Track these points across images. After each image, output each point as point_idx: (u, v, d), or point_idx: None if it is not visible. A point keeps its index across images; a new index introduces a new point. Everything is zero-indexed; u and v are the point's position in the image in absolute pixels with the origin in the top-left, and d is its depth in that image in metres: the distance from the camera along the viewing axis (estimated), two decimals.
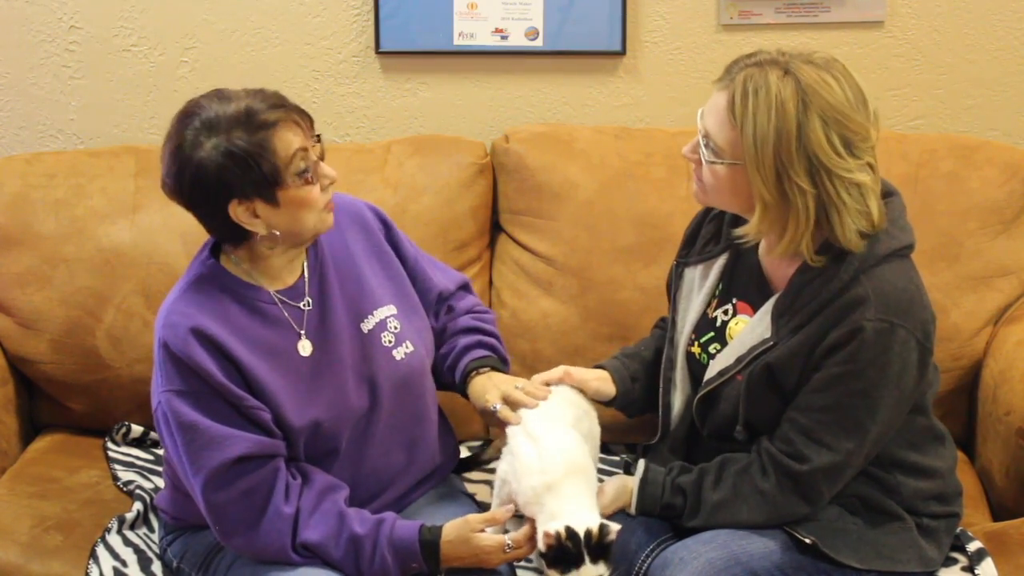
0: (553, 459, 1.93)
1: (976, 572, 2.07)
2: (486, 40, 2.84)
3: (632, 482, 2.05)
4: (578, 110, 2.91)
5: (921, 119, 2.91)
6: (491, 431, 2.58)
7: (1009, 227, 2.61)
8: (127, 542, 2.24)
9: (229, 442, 1.90)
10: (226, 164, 1.86)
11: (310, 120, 1.94)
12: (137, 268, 2.59)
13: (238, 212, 1.90)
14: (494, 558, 1.97)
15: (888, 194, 1.98)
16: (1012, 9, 2.85)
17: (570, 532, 1.86)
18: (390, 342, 2.09)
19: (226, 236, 1.97)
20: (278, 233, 1.93)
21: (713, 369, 2.05)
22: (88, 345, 2.58)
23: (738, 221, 2.00)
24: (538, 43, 2.84)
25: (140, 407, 2.50)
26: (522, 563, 2.16)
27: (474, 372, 2.17)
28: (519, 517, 2.00)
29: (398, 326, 2.11)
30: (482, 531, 1.97)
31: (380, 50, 2.84)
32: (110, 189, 2.64)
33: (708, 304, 2.12)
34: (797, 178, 1.85)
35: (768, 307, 1.98)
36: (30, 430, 2.68)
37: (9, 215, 2.61)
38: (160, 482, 2.42)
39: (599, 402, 2.17)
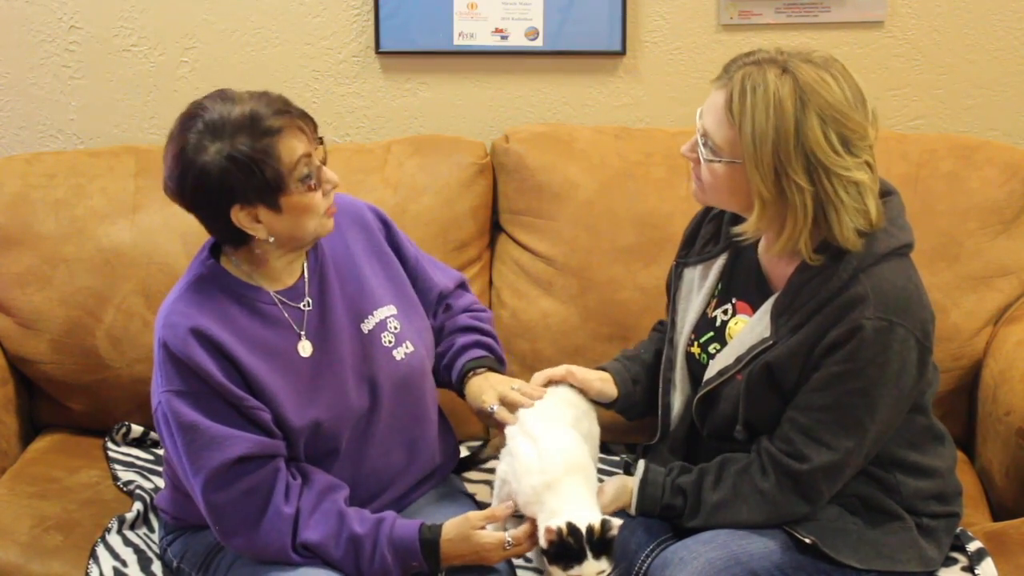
0: (552, 458, 1.93)
1: (976, 572, 2.07)
2: (486, 40, 2.84)
3: (632, 482, 2.05)
4: (578, 110, 2.91)
5: (921, 119, 2.91)
6: (490, 431, 2.58)
7: (1009, 227, 2.62)
8: (127, 542, 2.24)
9: (229, 442, 1.90)
10: (229, 169, 1.86)
11: (314, 124, 1.94)
12: (137, 268, 2.59)
13: (240, 217, 1.90)
14: (494, 555, 1.97)
15: (887, 193, 1.98)
16: (1012, 9, 2.85)
17: (571, 528, 1.86)
18: (390, 342, 2.09)
19: (227, 238, 1.97)
20: (274, 239, 1.93)
21: (713, 369, 2.05)
22: (88, 345, 2.58)
23: (737, 220, 2.00)
24: (538, 43, 2.84)
25: (140, 407, 2.50)
26: (522, 563, 2.16)
27: (471, 372, 2.18)
28: (519, 517, 2.01)
29: (398, 326, 2.11)
30: (482, 528, 1.97)
31: (380, 50, 2.84)
32: (110, 189, 2.64)
33: (707, 304, 2.12)
34: (795, 176, 1.85)
35: (767, 306, 1.98)
36: (30, 430, 2.68)
37: (9, 215, 2.61)
38: (160, 482, 2.42)
39: (600, 404, 2.17)
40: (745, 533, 1.97)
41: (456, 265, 2.57)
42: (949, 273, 2.58)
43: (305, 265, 2.06)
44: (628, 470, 2.13)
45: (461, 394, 2.20)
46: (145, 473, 2.49)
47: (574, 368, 2.14)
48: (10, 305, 2.60)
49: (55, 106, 2.89)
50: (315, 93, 2.88)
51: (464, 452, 2.39)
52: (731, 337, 2.05)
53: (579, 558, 1.86)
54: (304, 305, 2.04)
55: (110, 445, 2.60)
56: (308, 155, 1.91)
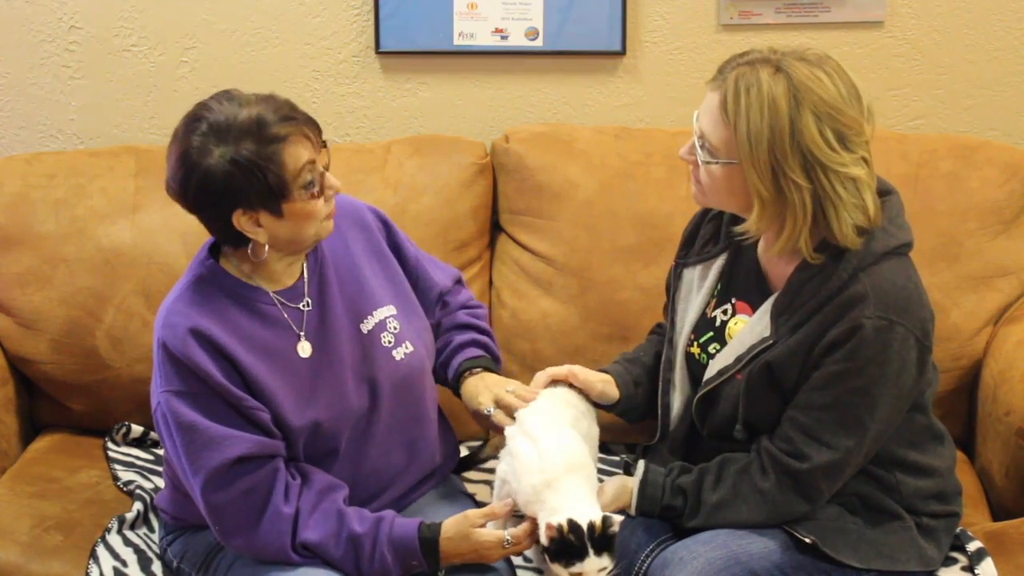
0: (552, 457, 1.93)
1: (976, 572, 2.07)
2: (486, 40, 2.84)
3: (632, 483, 2.05)
4: (578, 110, 2.91)
5: (921, 119, 2.91)
6: (489, 431, 2.58)
7: (1009, 227, 2.61)
8: (127, 542, 2.24)
9: (228, 442, 1.90)
10: (233, 174, 1.85)
11: (318, 129, 1.93)
12: (137, 268, 2.59)
13: (242, 221, 1.90)
14: (493, 554, 1.97)
15: (886, 192, 1.98)
16: (1012, 9, 2.85)
17: (572, 525, 1.86)
18: (390, 342, 2.09)
19: (227, 240, 1.97)
20: (272, 245, 1.93)
21: (712, 369, 2.05)
22: (88, 345, 2.58)
23: (737, 220, 2.00)
24: (538, 43, 2.84)
25: (140, 407, 2.50)
26: (521, 563, 2.16)
27: (467, 372, 2.18)
28: (519, 516, 2.01)
29: (398, 326, 2.11)
30: (481, 526, 1.97)
31: (380, 50, 2.84)
32: (110, 189, 2.64)
33: (707, 304, 2.12)
34: (792, 174, 1.85)
35: (767, 306, 1.99)
36: (30, 430, 2.68)
37: (9, 215, 2.61)
38: (160, 482, 2.42)
39: (601, 406, 2.17)
40: (745, 533, 1.97)
41: (456, 265, 2.56)
42: (949, 273, 2.58)
43: (305, 266, 2.06)
44: (628, 470, 2.13)
45: (457, 392, 2.20)
46: (145, 473, 2.49)
47: (576, 369, 2.14)
48: (10, 305, 2.60)
49: (55, 106, 2.89)
50: (315, 93, 2.88)
51: (464, 452, 2.39)
52: (731, 337, 2.05)
53: (580, 555, 1.86)
54: (303, 305, 2.04)
55: (110, 445, 2.60)
56: (312, 161, 1.90)
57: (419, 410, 2.14)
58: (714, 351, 2.07)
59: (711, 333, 2.09)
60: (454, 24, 2.83)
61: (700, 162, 1.95)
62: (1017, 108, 2.91)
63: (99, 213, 2.62)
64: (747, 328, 2.01)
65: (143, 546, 2.23)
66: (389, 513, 2.00)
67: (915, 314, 1.90)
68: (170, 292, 2.00)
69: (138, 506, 2.32)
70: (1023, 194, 2.62)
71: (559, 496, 1.90)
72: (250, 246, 1.95)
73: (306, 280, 2.05)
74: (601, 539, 1.86)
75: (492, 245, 2.76)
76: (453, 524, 1.97)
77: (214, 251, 2.02)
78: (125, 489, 2.42)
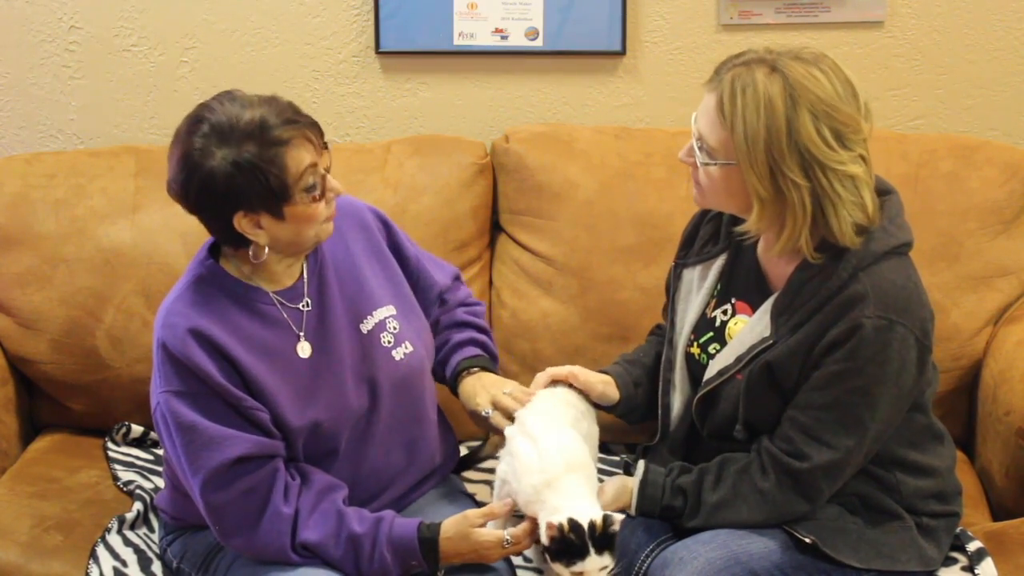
0: (552, 457, 1.93)
1: (976, 572, 2.07)
2: (486, 40, 2.84)
3: (632, 483, 2.05)
4: (578, 110, 2.91)
5: (921, 119, 2.91)
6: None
7: (1009, 227, 2.61)
8: (127, 542, 2.24)
9: (228, 443, 1.90)
10: (235, 176, 1.85)
11: (320, 132, 1.93)
12: (137, 268, 2.59)
13: (242, 223, 1.90)
14: (493, 553, 1.97)
15: (885, 192, 1.98)
16: (1012, 9, 2.85)
17: (573, 524, 1.85)
18: (389, 342, 2.09)
19: (227, 241, 1.97)
20: (268, 250, 1.93)
21: (712, 369, 2.05)
22: (88, 345, 2.58)
23: (737, 220, 2.00)
24: (538, 43, 2.84)
25: (140, 407, 2.50)
26: (521, 563, 2.16)
27: (464, 372, 2.18)
28: (519, 517, 2.01)
29: (397, 326, 2.11)
30: (481, 526, 1.97)
31: (380, 50, 2.84)
32: (110, 189, 2.64)
33: (707, 304, 2.12)
34: (791, 173, 1.85)
35: (767, 306, 1.99)
36: (30, 430, 2.68)
37: (9, 215, 2.61)
38: (160, 482, 2.42)
39: (602, 407, 2.17)
40: (745, 533, 1.97)
41: (456, 265, 2.56)
42: (949, 273, 2.57)
43: (304, 266, 2.06)
44: (628, 470, 2.13)
45: (454, 391, 2.20)
46: (145, 473, 2.49)
47: (577, 370, 2.14)
48: (10, 305, 2.60)
49: (55, 106, 2.89)
50: (315, 93, 2.88)
51: (463, 452, 2.39)
52: (731, 337, 2.05)
53: (582, 554, 1.86)
54: (303, 306, 2.04)
55: (110, 445, 2.60)
56: (314, 164, 1.90)
57: (419, 410, 2.14)
58: (714, 351, 2.07)
59: (711, 333, 2.09)
60: (454, 24, 2.83)
61: (699, 164, 1.95)
62: (1017, 108, 2.91)
63: (99, 213, 2.62)
64: (747, 328, 2.01)
65: (143, 546, 2.23)
66: (389, 513, 2.00)
67: (915, 314, 1.90)
68: (170, 292, 2.00)
69: (138, 506, 2.32)
70: (1023, 194, 2.62)
71: (559, 496, 1.90)
72: (251, 248, 1.95)
73: (306, 280, 2.05)
74: (602, 538, 1.86)
75: (492, 245, 2.76)
76: (452, 524, 1.97)
77: (214, 251, 2.02)
78: (125, 489, 2.42)
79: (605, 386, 2.15)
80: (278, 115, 1.88)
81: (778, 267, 2.01)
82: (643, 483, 2.04)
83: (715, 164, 1.92)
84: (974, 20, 2.86)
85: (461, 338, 2.23)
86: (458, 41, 2.84)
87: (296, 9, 2.84)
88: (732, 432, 2.01)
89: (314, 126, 1.92)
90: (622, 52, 2.85)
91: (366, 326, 2.08)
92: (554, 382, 2.14)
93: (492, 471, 2.15)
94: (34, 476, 2.47)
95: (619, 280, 2.62)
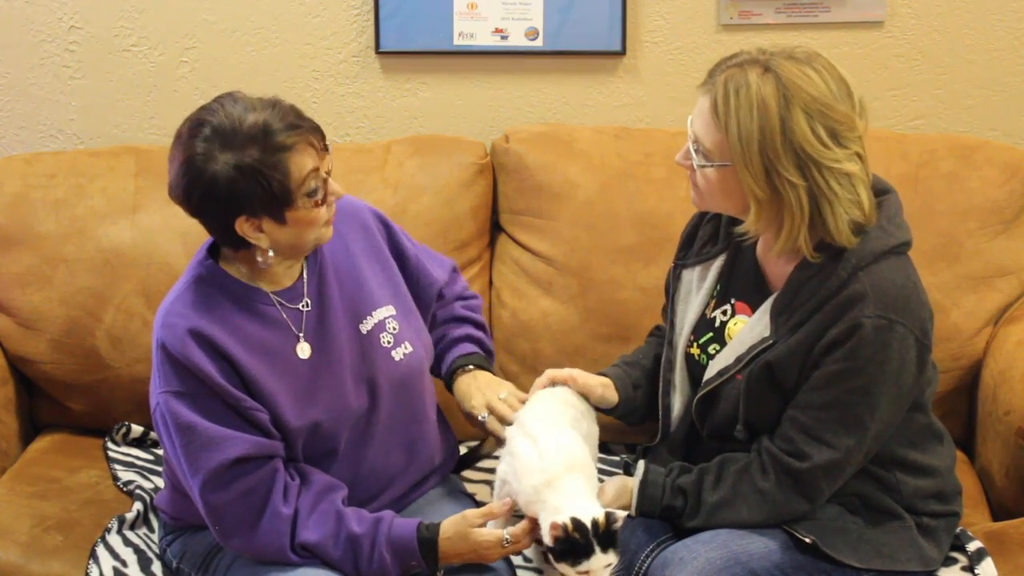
0: (552, 457, 1.93)
1: (976, 572, 2.07)
2: (486, 40, 2.84)
3: (632, 483, 2.05)
4: (578, 110, 2.91)
5: (921, 119, 2.91)
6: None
7: (1009, 227, 2.61)
8: (127, 542, 2.24)
9: (227, 443, 1.90)
10: (237, 180, 1.85)
11: (323, 135, 1.93)
12: (137, 268, 2.59)
13: (244, 227, 1.90)
14: (493, 553, 1.97)
15: (884, 192, 1.98)
16: (1012, 9, 2.85)
17: (577, 523, 1.85)
18: (389, 343, 2.09)
19: (227, 243, 1.97)
20: (272, 253, 1.93)
21: (712, 369, 2.05)
22: (88, 345, 2.58)
23: (736, 220, 2.00)
24: (538, 43, 2.84)
25: (140, 407, 2.50)
26: (521, 563, 2.16)
27: (460, 370, 2.19)
28: (519, 517, 2.00)
29: (397, 327, 2.11)
30: (480, 526, 1.97)
31: (380, 50, 2.84)
32: (110, 189, 2.64)
33: (706, 305, 2.12)
34: (786, 172, 1.85)
35: (767, 306, 1.99)
36: (30, 430, 2.68)
37: (9, 215, 2.61)
38: (160, 482, 2.42)
39: (601, 410, 2.17)
40: (745, 533, 1.97)
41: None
42: (949, 273, 2.57)
43: (304, 266, 2.06)
44: (628, 470, 2.13)
45: (449, 388, 2.22)
46: (145, 473, 2.49)
47: (576, 374, 2.14)
48: (10, 305, 2.60)
49: (55, 106, 2.89)
50: (315, 93, 2.88)
51: (463, 451, 2.39)
52: (730, 337, 2.05)
53: (587, 553, 1.85)
54: (303, 306, 2.04)
55: (110, 445, 2.60)
56: (316, 169, 1.90)
57: (418, 410, 2.14)
58: (714, 352, 2.07)
59: (711, 334, 2.09)
60: (454, 24, 2.83)
61: (695, 166, 1.95)
62: (1017, 108, 2.91)
63: (99, 213, 2.62)
64: (747, 328, 2.01)
65: (143, 546, 2.23)
66: (388, 513, 2.00)
67: (914, 313, 1.90)
68: (169, 292, 2.00)
69: (138, 506, 2.32)
70: (1023, 194, 2.62)
71: (560, 496, 1.90)
72: (258, 254, 1.95)
73: (305, 281, 2.05)
74: (606, 535, 1.86)
75: (492, 245, 2.76)
76: (452, 524, 1.97)
77: (213, 251, 2.02)
78: (125, 489, 2.42)
79: (604, 389, 2.15)
80: (281, 120, 1.87)
81: (777, 267, 2.01)
82: (643, 483, 2.04)
83: (711, 166, 1.92)
84: (974, 20, 2.85)
85: (457, 334, 2.24)
86: (458, 41, 2.84)
87: (296, 9, 2.84)
88: (732, 432, 2.01)
89: (317, 130, 1.92)
90: (622, 52, 2.85)
91: (366, 326, 2.08)
92: (553, 383, 2.14)
93: (492, 471, 2.15)
94: (34, 476, 2.47)
95: (619, 280, 2.62)
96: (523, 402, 2.12)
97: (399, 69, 2.88)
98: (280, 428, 1.96)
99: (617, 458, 2.53)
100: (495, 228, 2.77)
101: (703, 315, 2.12)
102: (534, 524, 1.94)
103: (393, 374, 2.08)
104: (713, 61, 1.96)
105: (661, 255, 2.55)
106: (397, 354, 2.09)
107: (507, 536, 1.96)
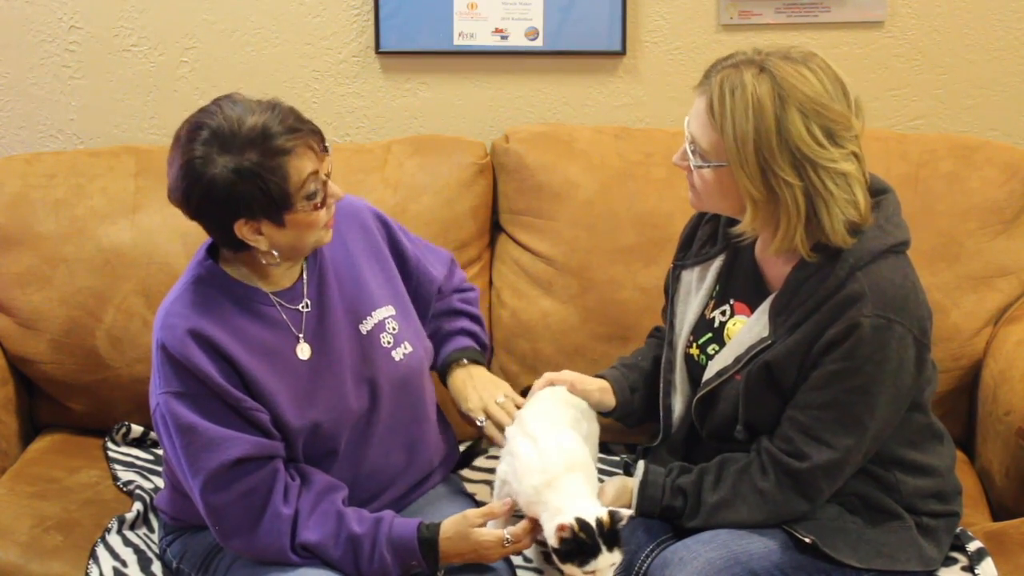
0: (552, 457, 1.93)
1: (976, 572, 2.07)
2: (486, 40, 2.84)
3: (632, 483, 2.05)
4: (578, 110, 2.91)
5: (921, 119, 2.91)
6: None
7: (1009, 227, 2.61)
8: (127, 542, 2.24)
9: (228, 444, 1.90)
10: (237, 184, 1.85)
11: (322, 137, 1.93)
12: (137, 268, 2.59)
13: (243, 230, 1.90)
14: (493, 553, 1.97)
15: (881, 191, 1.98)
16: (1012, 9, 2.85)
17: (582, 523, 1.85)
18: (389, 343, 2.09)
19: (227, 244, 1.97)
20: (276, 253, 1.93)
21: (711, 369, 2.05)
22: (88, 345, 2.58)
23: (735, 221, 2.00)
24: (538, 43, 2.84)
25: (140, 407, 2.50)
26: (521, 563, 2.16)
27: (455, 364, 2.20)
28: (519, 517, 2.00)
29: (396, 327, 2.11)
30: (480, 526, 1.97)
31: (380, 50, 2.84)
32: (110, 189, 2.64)
33: (706, 306, 2.12)
34: (782, 172, 1.86)
35: (765, 306, 1.99)
36: (30, 430, 2.68)
37: (9, 215, 2.61)
38: (160, 482, 2.42)
39: (599, 413, 2.17)
40: (745, 533, 1.97)
41: None
42: (949, 273, 2.57)
43: (304, 267, 2.06)
44: (628, 470, 2.13)
45: (443, 381, 2.23)
46: (145, 473, 2.49)
47: (574, 378, 2.14)
48: (10, 305, 2.60)
49: (55, 106, 2.89)
50: (315, 93, 2.88)
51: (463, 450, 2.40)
52: (729, 338, 2.05)
53: (594, 552, 1.85)
54: (303, 307, 2.03)
55: (110, 445, 2.60)
56: (315, 172, 1.90)
57: (418, 410, 2.14)
58: (713, 352, 2.07)
59: (710, 334, 2.09)
60: (454, 24, 2.83)
61: (692, 167, 1.95)
62: (1017, 108, 2.91)
63: (99, 213, 2.62)
64: (745, 328, 2.01)
65: (143, 546, 2.23)
66: (388, 513, 2.00)
67: (913, 312, 1.90)
68: (169, 293, 2.00)
69: (138, 506, 2.32)
70: (1023, 194, 2.62)
71: (560, 496, 1.90)
72: (262, 255, 1.94)
73: (305, 281, 2.05)
74: (611, 534, 1.86)
75: (492, 245, 2.76)
76: (452, 524, 1.97)
77: (212, 252, 2.02)
78: (125, 489, 2.42)
79: (602, 393, 2.15)
80: (280, 122, 1.87)
81: (776, 267, 2.01)
82: (643, 483, 2.04)
83: (708, 167, 1.92)
84: (974, 20, 2.85)
85: (453, 327, 2.24)
86: (458, 41, 2.84)
87: (296, 9, 2.84)
88: (731, 432, 2.01)
89: (316, 133, 1.91)
90: (622, 52, 2.85)
91: (365, 327, 2.08)
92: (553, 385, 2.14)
93: (492, 471, 2.15)
94: (34, 476, 2.47)
95: (619, 280, 2.62)
96: (519, 407, 2.12)
97: (399, 69, 2.88)
98: (280, 428, 1.96)
99: (617, 458, 2.53)
100: (495, 228, 2.77)
101: (702, 316, 2.12)
102: (534, 524, 1.94)
103: (393, 374, 2.08)
104: (713, 61, 1.97)
105: (661, 255, 2.55)
106: (397, 354, 2.09)
107: (508, 536, 1.96)
